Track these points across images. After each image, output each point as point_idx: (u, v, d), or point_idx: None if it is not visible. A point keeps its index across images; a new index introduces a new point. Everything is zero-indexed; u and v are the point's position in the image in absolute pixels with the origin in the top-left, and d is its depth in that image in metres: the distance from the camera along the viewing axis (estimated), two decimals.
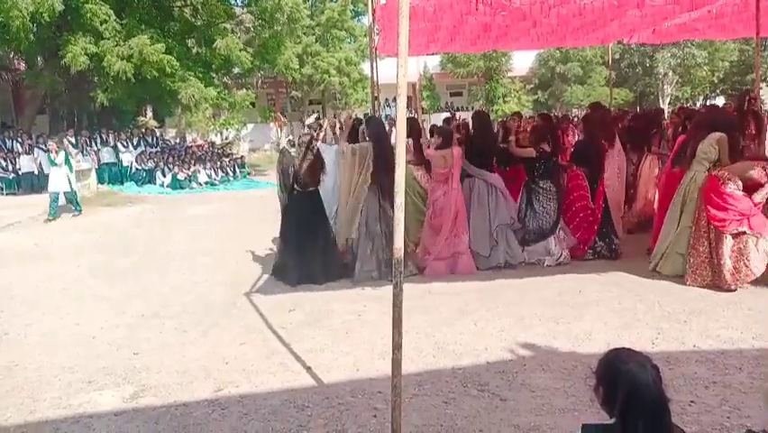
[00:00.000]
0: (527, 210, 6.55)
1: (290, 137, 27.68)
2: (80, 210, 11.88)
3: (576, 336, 4.44)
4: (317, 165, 6.27)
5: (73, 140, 16.75)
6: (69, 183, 11.71)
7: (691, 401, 3.38)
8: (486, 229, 6.39)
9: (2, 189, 15.28)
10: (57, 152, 11.76)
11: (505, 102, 29.65)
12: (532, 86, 31.52)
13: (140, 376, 4.08)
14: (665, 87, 28.99)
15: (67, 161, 11.79)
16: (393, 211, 2.82)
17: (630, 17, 7.24)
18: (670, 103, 27.94)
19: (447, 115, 10.32)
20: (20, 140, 16.50)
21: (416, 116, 11.61)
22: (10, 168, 15.66)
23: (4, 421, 3.54)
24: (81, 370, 4.22)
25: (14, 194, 15.04)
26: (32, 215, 11.71)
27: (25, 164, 15.98)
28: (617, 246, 6.60)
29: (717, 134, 5.48)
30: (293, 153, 6.35)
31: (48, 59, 16.88)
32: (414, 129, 7.62)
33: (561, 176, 6.66)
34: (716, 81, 29.64)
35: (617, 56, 26.21)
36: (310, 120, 7.48)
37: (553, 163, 6.57)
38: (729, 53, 27.62)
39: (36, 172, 16.16)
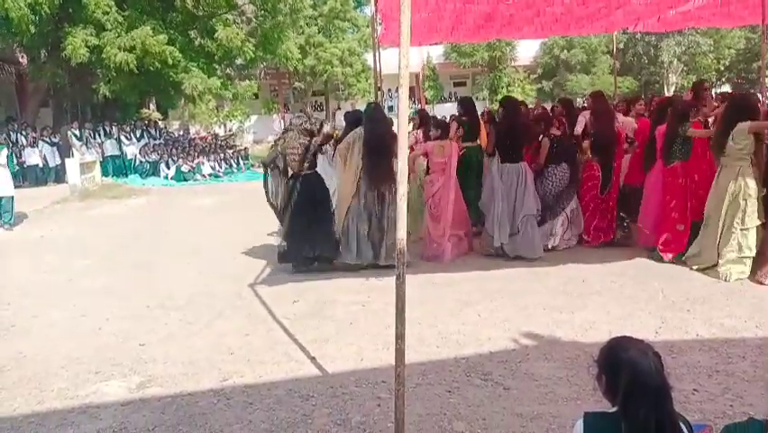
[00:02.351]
0: (545, 185, 6.58)
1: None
2: (11, 222, 9.75)
3: (579, 325, 4.45)
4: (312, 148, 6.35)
5: (77, 132, 16.82)
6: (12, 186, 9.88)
7: (694, 390, 3.39)
8: (508, 217, 6.34)
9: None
10: (2, 148, 9.86)
11: (509, 91, 29.53)
12: (536, 75, 31.37)
13: (146, 367, 4.11)
14: (670, 75, 28.81)
15: (9, 161, 10.07)
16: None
17: (635, 5, 7.18)
18: (675, 91, 27.76)
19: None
20: (24, 133, 16.56)
21: (419, 107, 11.63)
22: (15, 161, 15.69)
23: (13, 411, 3.58)
24: (88, 361, 4.25)
25: (20, 186, 15.04)
26: (38, 207, 11.77)
27: (30, 157, 16.06)
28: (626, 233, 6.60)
29: (747, 124, 5.16)
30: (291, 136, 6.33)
31: (50, 52, 16.88)
32: (424, 120, 7.66)
33: (576, 158, 6.69)
34: (722, 69, 29.43)
35: (621, 45, 26.04)
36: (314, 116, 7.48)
37: (568, 146, 6.59)
38: (735, 41, 27.41)
39: (41, 165, 16.26)
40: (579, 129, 6.81)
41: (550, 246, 6.49)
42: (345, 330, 4.61)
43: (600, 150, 6.54)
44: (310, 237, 6.16)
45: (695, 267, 5.59)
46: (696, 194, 5.81)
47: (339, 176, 6.47)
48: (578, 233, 6.71)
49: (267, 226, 8.52)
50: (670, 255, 5.85)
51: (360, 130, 6.16)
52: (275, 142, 6.64)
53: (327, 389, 3.64)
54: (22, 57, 18.96)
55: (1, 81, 19.99)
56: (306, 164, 6.24)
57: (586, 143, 6.67)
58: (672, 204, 5.88)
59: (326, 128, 6.48)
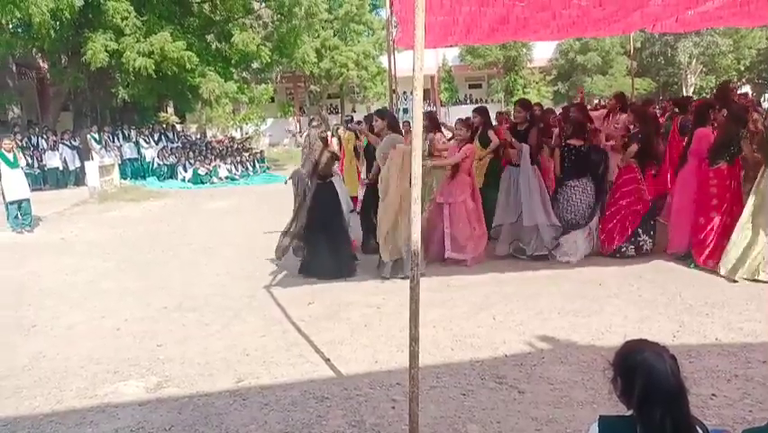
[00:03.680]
0: (562, 202, 6.41)
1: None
2: (31, 225, 9.94)
3: (596, 329, 4.41)
4: (334, 157, 6.35)
5: (97, 136, 17.10)
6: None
7: (713, 394, 3.34)
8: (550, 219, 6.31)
9: (29, 185, 15.59)
10: (19, 151, 9.91)
11: (525, 93, 29.40)
12: (552, 77, 31.18)
13: (163, 367, 4.16)
14: (689, 76, 28.47)
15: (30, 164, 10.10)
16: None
17: (652, 7, 7.10)
18: (694, 93, 27.40)
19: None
20: (45, 136, 16.87)
21: (433, 109, 11.59)
22: (36, 164, 16.00)
23: (33, 410, 3.65)
24: (106, 361, 4.32)
25: (40, 189, 15.37)
26: (58, 209, 11.97)
27: (51, 160, 16.34)
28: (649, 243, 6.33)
29: None
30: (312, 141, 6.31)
31: (71, 57, 17.18)
32: (434, 123, 7.64)
33: (602, 167, 6.48)
34: (742, 69, 29.03)
35: (638, 45, 25.79)
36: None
37: (589, 155, 6.41)
38: (756, 41, 27.03)
39: (61, 168, 16.54)
40: (621, 133, 6.68)
41: (570, 260, 6.32)
42: (360, 332, 4.62)
43: (645, 153, 6.30)
44: (328, 254, 6.11)
45: (738, 277, 5.29)
46: (739, 197, 5.63)
47: (387, 183, 6.00)
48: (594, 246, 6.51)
49: (281, 229, 8.59)
50: (711, 262, 5.59)
51: (394, 136, 6.04)
52: (304, 156, 6.38)
53: (342, 391, 3.66)
54: (43, 62, 19.32)
55: (23, 86, 20.38)
56: (320, 173, 6.20)
57: (633, 147, 6.31)
58: (722, 208, 5.63)
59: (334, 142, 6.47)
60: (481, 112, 7.61)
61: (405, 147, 5.83)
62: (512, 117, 7.67)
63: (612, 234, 6.38)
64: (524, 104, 7.01)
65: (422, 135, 2.97)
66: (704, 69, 28.54)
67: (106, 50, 15.38)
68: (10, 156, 9.67)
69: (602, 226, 6.47)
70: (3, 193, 9.65)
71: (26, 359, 4.43)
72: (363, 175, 8.26)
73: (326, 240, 6.13)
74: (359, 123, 9.87)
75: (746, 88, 28.81)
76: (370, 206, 6.84)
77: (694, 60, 27.78)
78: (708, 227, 5.69)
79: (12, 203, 9.66)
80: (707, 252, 5.68)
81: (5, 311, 5.66)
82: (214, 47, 18.27)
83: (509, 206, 6.48)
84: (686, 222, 6.03)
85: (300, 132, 29.76)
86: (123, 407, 3.62)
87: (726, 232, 5.56)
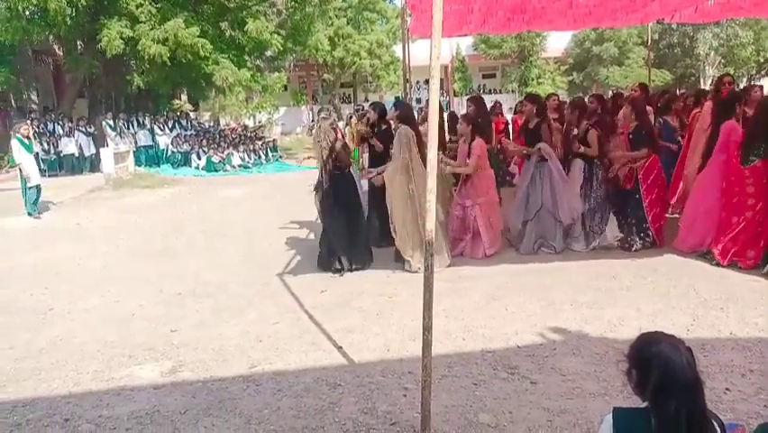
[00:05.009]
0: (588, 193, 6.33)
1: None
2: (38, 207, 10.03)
3: (608, 321, 4.40)
4: (348, 148, 6.31)
5: (112, 123, 17.22)
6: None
7: (727, 389, 3.32)
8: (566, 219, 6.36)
9: (45, 171, 15.77)
10: (35, 137, 10.03)
11: (539, 84, 29.13)
12: (567, 66, 30.86)
13: (177, 352, 4.22)
14: (707, 68, 28.03)
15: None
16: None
17: None
18: (712, 84, 26.97)
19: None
20: (61, 123, 17.02)
21: (447, 99, 11.50)
22: (52, 150, 16.18)
23: (51, 392, 3.72)
24: (122, 345, 4.38)
25: (56, 175, 15.54)
26: (74, 195, 12.10)
27: (66, 147, 16.51)
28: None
29: None
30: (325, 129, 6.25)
31: (86, 44, 17.28)
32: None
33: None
34: (762, 61, 28.54)
35: (655, 36, 25.42)
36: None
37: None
38: None
39: (77, 154, 16.70)
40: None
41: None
42: (372, 321, 4.65)
43: (639, 144, 6.22)
44: (344, 246, 6.01)
45: None
46: None
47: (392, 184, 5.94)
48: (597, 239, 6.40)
49: (294, 217, 8.65)
50: (750, 262, 5.39)
51: (405, 129, 5.93)
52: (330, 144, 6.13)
53: (354, 378, 3.68)
54: (59, 49, 19.44)
55: (39, 72, 20.55)
56: (331, 164, 6.08)
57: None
58: (757, 207, 5.39)
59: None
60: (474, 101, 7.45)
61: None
62: (521, 110, 7.56)
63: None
64: (531, 97, 6.90)
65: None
66: (723, 61, 28.06)
67: (122, 38, 15.45)
68: (27, 142, 9.87)
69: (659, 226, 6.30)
70: (23, 178, 9.77)
71: (44, 342, 4.51)
72: (367, 164, 7.94)
73: (345, 231, 6.04)
74: (364, 110, 9.50)
75: (765, 81, 28.35)
76: (378, 198, 6.82)
77: (713, 52, 27.30)
78: (740, 227, 5.49)
79: (30, 188, 9.85)
80: (734, 250, 5.50)
81: (23, 295, 5.76)
82: (227, 35, 18.27)
83: (531, 203, 6.37)
84: (710, 219, 5.84)
85: (313, 121, 29.79)
86: (138, 390, 3.68)
87: (756, 229, 5.40)
